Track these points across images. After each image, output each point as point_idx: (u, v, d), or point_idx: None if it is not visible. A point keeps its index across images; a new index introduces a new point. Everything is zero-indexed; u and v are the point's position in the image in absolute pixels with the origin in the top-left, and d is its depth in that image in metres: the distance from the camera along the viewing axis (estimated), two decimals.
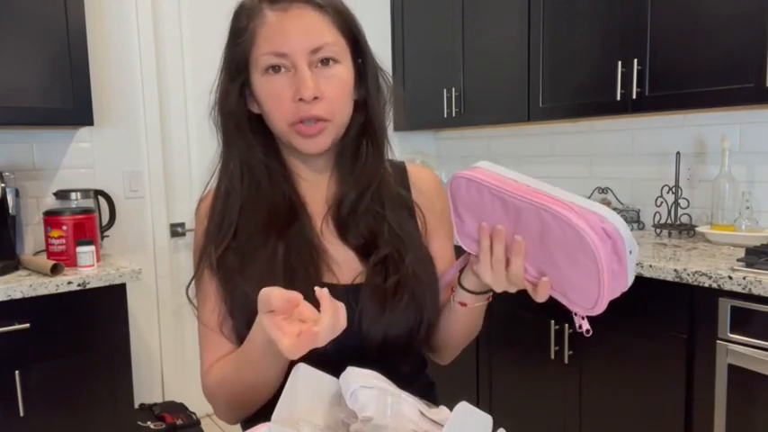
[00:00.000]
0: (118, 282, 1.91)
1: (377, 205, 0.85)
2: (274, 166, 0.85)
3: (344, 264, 0.83)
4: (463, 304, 0.81)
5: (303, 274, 0.78)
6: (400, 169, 0.92)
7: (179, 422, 2.25)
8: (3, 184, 1.98)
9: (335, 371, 0.70)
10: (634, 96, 2.04)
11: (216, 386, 0.80)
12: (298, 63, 0.75)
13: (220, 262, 0.81)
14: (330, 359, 0.70)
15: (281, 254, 0.79)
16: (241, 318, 0.79)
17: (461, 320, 0.84)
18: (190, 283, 0.86)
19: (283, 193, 0.84)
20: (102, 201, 2.27)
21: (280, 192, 0.84)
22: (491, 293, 0.80)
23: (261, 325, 0.65)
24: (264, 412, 0.75)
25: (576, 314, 0.68)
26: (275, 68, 0.77)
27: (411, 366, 0.88)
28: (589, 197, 2.62)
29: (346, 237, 0.84)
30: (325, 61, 0.77)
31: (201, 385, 0.83)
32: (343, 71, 0.79)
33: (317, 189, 0.87)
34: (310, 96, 0.75)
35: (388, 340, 0.79)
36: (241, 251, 0.80)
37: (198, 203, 0.90)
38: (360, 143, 0.85)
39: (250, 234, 0.81)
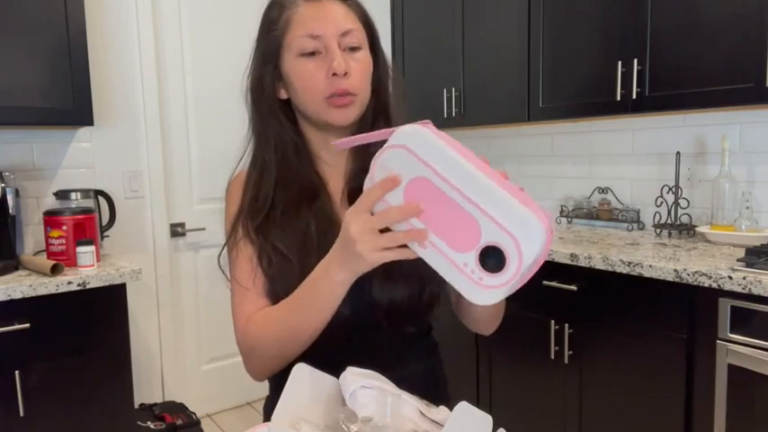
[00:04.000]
0: (118, 282, 1.91)
1: None
2: (302, 145, 0.94)
3: None
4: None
5: (328, 244, 0.82)
6: None
7: (179, 422, 2.25)
8: (3, 184, 1.98)
9: (352, 331, 0.82)
10: (634, 96, 2.04)
11: (261, 328, 0.85)
12: (330, 44, 0.86)
13: (259, 229, 0.89)
14: (348, 320, 0.82)
15: (312, 227, 0.88)
16: (281, 280, 0.86)
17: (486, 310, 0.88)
18: (222, 250, 0.94)
19: (309, 172, 0.93)
20: (102, 201, 2.27)
21: (306, 170, 0.93)
22: None
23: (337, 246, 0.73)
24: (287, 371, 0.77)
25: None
26: (311, 54, 0.86)
27: (416, 328, 0.94)
28: (589, 197, 2.64)
29: None
30: (352, 48, 0.88)
31: (240, 336, 0.88)
32: (365, 56, 0.90)
33: (336, 169, 0.95)
34: (343, 71, 0.84)
35: (392, 305, 0.87)
36: (279, 221, 0.89)
37: (229, 182, 0.97)
38: (376, 126, 0.94)
39: (285, 207, 0.89)
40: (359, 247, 0.68)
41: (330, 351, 0.78)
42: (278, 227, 0.89)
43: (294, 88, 0.89)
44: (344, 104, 0.87)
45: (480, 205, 0.60)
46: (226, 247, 0.94)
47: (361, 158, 0.92)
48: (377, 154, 0.68)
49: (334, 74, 0.85)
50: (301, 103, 0.90)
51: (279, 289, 0.86)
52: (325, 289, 0.76)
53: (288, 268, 0.86)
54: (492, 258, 0.60)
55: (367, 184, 0.70)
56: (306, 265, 0.83)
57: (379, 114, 0.95)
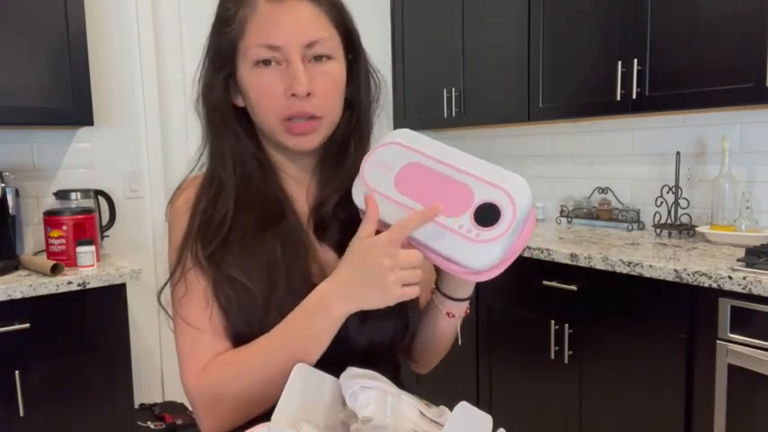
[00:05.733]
0: (118, 282, 1.91)
1: (354, 207, 0.80)
2: (264, 159, 0.81)
3: (327, 264, 0.80)
4: (451, 315, 0.81)
5: (298, 274, 0.76)
6: None
7: (179, 422, 2.25)
8: (3, 184, 1.98)
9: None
10: (634, 96, 2.04)
11: (225, 376, 0.73)
12: (291, 57, 0.72)
13: (213, 259, 0.75)
14: (317, 363, 0.70)
15: (279, 252, 0.75)
16: (241, 315, 0.75)
17: (447, 329, 0.84)
18: (164, 286, 0.80)
19: (273, 189, 0.81)
20: (102, 201, 2.27)
21: (270, 187, 0.80)
22: (468, 302, 0.81)
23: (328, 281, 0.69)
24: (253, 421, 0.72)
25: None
26: (266, 62, 0.73)
27: (391, 371, 0.86)
28: (589, 197, 2.63)
29: (324, 237, 0.81)
30: (319, 57, 0.74)
31: (193, 389, 0.75)
32: (337, 68, 0.76)
33: (301, 186, 0.84)
34: (303, 92, 0.72)
35: (372, 347, 0.77)
36: (238, 248, 0.76)
37: (174, 196, 0.82)
38: (347, 143, 0.83)
39: (245, 230, 0.77)
40: (391, 279, 0.64)
41: None
42: (235, 254, 0.75)
43: (250, 102, 0.76)
44: (304, 132, 0.75)
45: (471, 172, 0.67)
46: (169, 283, 0.79)
47: (329, 182, 0.82)
48: (367, 154, 0.73)
49: (294, 94, 0.72)
50: (257, 119, 0.78)
51: (242, 328, 0.74)
52: (320, 324, 0.68)
53: (249, 302, 0.73)
54: (486, 214, 0.65)
55: (356, 186, 0.71)
56: (271, 298, 0.73)
57: (351, 133, 0.82)
